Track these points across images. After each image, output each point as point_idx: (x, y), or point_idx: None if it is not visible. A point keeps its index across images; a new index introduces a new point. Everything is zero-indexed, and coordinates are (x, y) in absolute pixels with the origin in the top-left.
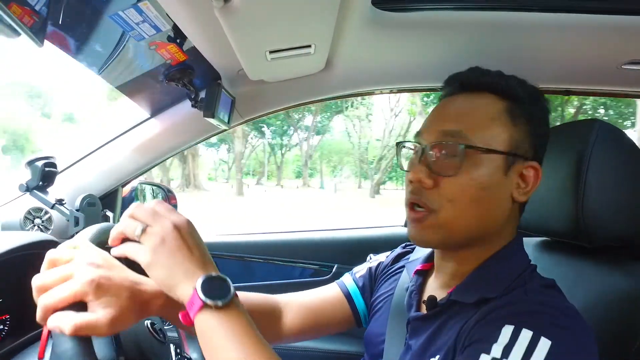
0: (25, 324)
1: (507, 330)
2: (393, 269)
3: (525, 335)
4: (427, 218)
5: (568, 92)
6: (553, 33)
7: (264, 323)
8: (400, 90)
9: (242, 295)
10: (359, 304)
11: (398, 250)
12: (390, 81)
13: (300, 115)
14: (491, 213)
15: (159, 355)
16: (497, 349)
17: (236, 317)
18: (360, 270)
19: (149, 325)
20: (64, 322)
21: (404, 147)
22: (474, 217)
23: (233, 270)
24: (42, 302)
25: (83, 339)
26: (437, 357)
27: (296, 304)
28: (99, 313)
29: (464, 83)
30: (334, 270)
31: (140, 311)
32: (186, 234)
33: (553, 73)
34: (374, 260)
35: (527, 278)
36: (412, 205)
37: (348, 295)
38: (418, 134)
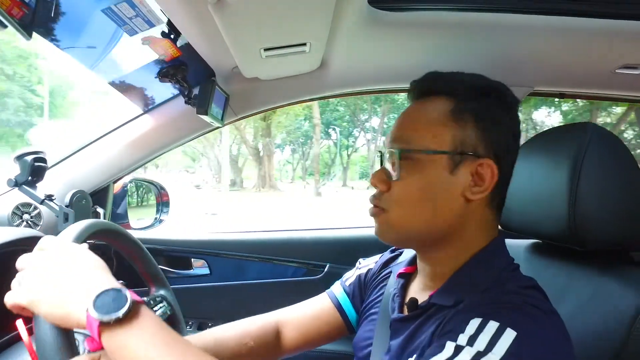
0: (11, 321)
1: (474, 322)
2: (381, 275)
3: (492, 325)
4: (380, 214)
5: (562, 95)
6: (548, 35)
7: (263, 348)
8: (395, 91)
9: (240, 326)
10: (350, 312)
11: (387, 255)
12: (386, 81)
13: (367, 117)
14: (439, 212)
15: None
16: (462, 338)
17: (144, 325)
18: (350, 277)
19: None
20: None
21: (378, 153)
22: (422, 216)
23: (226, 268)
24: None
25: None
26: (414, 356)
27: (291, 324)
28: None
29: (418, 90)
30: (325, 269)
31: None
32: (61, 255)
33: (547, 75)
34: (363, 266)
35: (505, 278)
36: (374, 205)
37: (339, 306)
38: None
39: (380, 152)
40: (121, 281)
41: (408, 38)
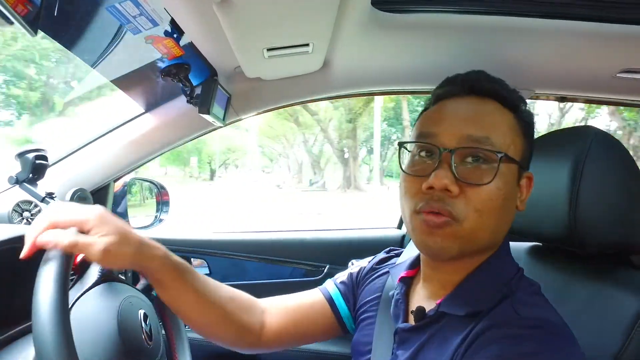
0: (11, 318)
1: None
2: (375, 274)
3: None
4: (449, 225)
5: (563, 99)
6: (549, 39)
7: (244, 318)
8: (397, 92)
9: (224, 288)
10: (342, 309)
11: (381, 255)
12: (388, 82)
13: None
14: (504, 223)
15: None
16: None
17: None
18: (341, 276)
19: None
20: (61, 237)
21: (406, 148)
22: (494, 227)
23: (225, 268)
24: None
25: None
26: None
27: (276, 305)
28: (96, 238)
29: (473, 87)
30: (325, 270)
31: (132, 257)
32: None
33: (548, 79)
34: (355, 265)
35: (515, 286)
36: (431, 211)
37: (330, 300)
38: (427, 135)
39: (447, 150)
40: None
41: (410, 40)
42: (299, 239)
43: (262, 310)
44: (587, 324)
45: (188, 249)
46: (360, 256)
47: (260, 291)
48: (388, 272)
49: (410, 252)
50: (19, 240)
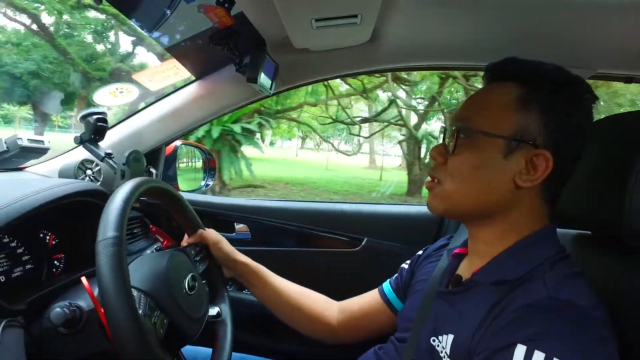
0: (77, 262)
1: (520, 351)
2: (432, 259)
3: (538, 357)
4: (435, 188)
5: (630, 79)
6: (611, 11)
7: (316, 310)
8: (447, 68)
9: (297, 287)
10: (397, 305)
11: (442, 241)
12: (438, 58)
13: None
14: (487, 191)
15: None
16: None
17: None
18: (397, 274)
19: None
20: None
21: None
22: (470, 192)
23: (266, 234)
24: None
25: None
26: (452, 336)
27: (346, 305)
28: (222, 237)
29: (492, 73)
30: (363, 243)
31: (228, 257)
32: None
33: (611, 57)
34: (408, 263)
35: (550, 266)
36: (430, 177)
37: (386, 299)
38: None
39: (444, 127)
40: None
41: (464, 14)
42: (339, 209)
43: (337, 309)
44: (631, 319)
45: (232, 213)
46: (399, 231)
47: (298, 258)
48: (443, 253)
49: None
50: (86, 195)
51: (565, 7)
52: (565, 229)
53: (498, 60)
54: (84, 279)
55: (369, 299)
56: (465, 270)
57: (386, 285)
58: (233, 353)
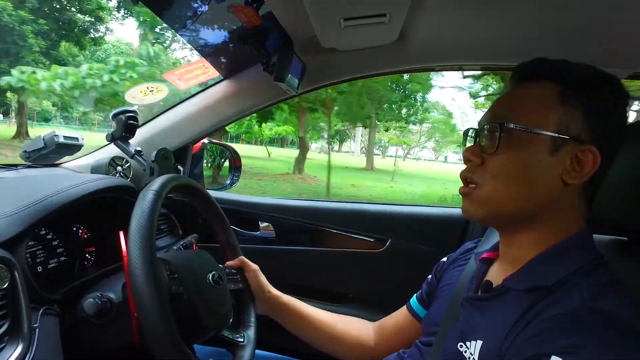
0: (107, 256)
1: None
2: (458, 264)
3: None
4: (473, 193)
5: None
6: None
7: (354, 334)
8: (474, 68)
9: (330, 314)
10: (422, 313)
11: (468, 244)
12: (465, 57)
13: None
14: (534, 191)
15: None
16: None
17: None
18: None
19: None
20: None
21: (467, 133)
22: (516, 193)
23: (291, 234)
24: None
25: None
26: (480, 342)
27: (380, 325)
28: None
29: (524, 72)
30: (387, 243)
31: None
32: None
33: None
34: (432, 272)
35: (587, 273)
36: (464, 182)
37: (413, 312)
38: (479, 121)
39: (473, 129)
40: (195, 235)
41: (495, 12)
42: (363, 210)
43: (372, 330)
44: None
45: (257, 212)
46: (423, 233)
47: (322, 258)
48: (471, 257)
49: (496, 237)
50: (117, 190)
51: (600, 2)
52: (598, 234)
53: (528, 59)
54: (121, 233)
55: (400, 315)
56: (495, 275)
57: (413, 299)
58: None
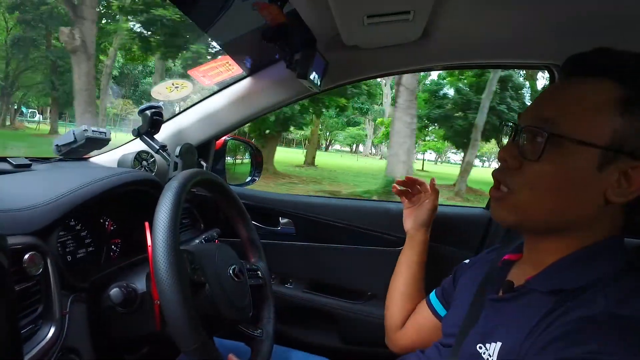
0: (132, 248)
1: None
2: (481, 262)
3: None
4: (506, 198)
5: None
6: None
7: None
8: (499, 66)
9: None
10: (442, 311)
11: (492, 248)
12: (490, 56)
13: None
14: (572, 206)
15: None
16: None
17: None
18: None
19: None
20: None
21: (506, 126)
22: (552, 206)
23: (310, 230)
24: None
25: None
26: (500, 344)
27: (400, 323)
28: None
29: (579, 65)
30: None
31: None
32: None
33: None
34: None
35: (615, 278)
36: (496, 183)
37: (433, 309)
38: (519, 116)
39: (514, 124)
40: (217, 229)
41: (519, 9)
42: (383, 207)
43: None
44: None
45: (277, 208)
46: (444, 232)
47: (341, 254)
48: (492, 258)
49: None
50: (142, 184)
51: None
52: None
53: (562, 59)
54: (146, 224)
55: (420, 312)
56: (517, 276)
57: (432, 295)
58: (274, 345)
